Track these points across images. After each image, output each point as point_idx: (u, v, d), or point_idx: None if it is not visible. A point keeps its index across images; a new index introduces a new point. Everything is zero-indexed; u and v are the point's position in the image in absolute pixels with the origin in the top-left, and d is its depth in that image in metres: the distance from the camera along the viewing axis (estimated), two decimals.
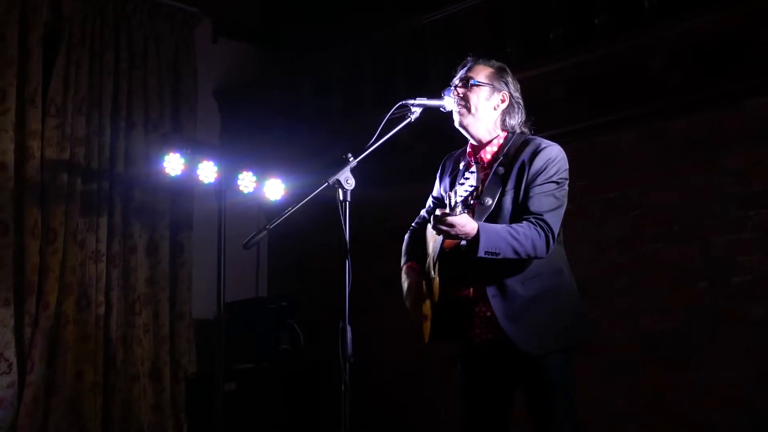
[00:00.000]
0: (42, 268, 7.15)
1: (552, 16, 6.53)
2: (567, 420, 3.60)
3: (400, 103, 3.68)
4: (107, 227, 7.59)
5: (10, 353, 6.91)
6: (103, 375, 7.40)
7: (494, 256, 3.37)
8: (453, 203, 3.23)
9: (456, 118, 3.74)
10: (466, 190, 3.25)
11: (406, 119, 3.67)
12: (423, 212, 4.10)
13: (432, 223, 3.34)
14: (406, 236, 4.07)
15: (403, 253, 4.03)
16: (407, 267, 3.95)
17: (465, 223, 3.28)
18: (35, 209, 7.14)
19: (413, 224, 4.11)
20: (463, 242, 3.46)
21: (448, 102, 3.74)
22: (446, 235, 3.38)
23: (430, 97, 3.75)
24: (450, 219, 3.25)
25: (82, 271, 7.36)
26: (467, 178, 3.29)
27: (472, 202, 3.25)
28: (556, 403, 3.58)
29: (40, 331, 7.04)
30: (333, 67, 8.24)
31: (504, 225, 3.46)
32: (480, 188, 3.22)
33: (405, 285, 3.91)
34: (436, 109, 3.75)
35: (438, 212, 3.30)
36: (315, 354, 7.43)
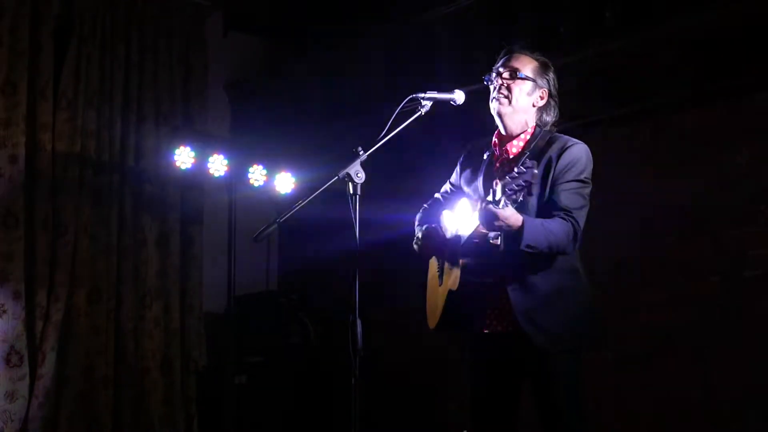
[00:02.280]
0: (53, 262, 7.16)
1: (563, 10, 6.51)
2: (575, 415, 3.62)
3: (411, 96, 3.69)
4: (118, 220, 7.59)
5: (21, 346, 6.92)
6: (114, 368, 7.41)
7: (532, 250, 3.39)
8: (498, 197, 3.20)
9: (494, 105, 3.75)
10: (520, 185, 3.15)
11: (416, 112, 3.68)
12: (437, 195, 4.13)
13: (478, 211, 3.34)
14: (419, 215, 4.11)
15: (417, 227, 4.04)
16: (427, 226, 3.96)
17: (510, 215, 3.28)
18: (46, 202, 7.15)
19: (425, 204, 4.14)
20: (492, 234, 3.47)
21: (459, 96, 3.75)
22: (489, 226, 3.38)
23: (440, 90, 3.75)
24: (499, 211, 3.24)
25: (92, 265, 7.36)
26: (521, 173, 3.16)
27: (521, 199, 3.21)
28: (564, 398, 3.61)
29: (51, 324, 7.05)
30: (343, 61, 8.23)
31: (540, 220, 3.48)
32: (531, 185, 3.17)
33: (421, 232, 3.94)
34: (446, 103, 3.76)
35: (483, 202, 3.30)
36: (325, 347, 7.45)
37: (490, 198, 3.24)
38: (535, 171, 3.11)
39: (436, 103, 3.73)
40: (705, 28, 5.78)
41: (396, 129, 3.62)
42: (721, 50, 5.75)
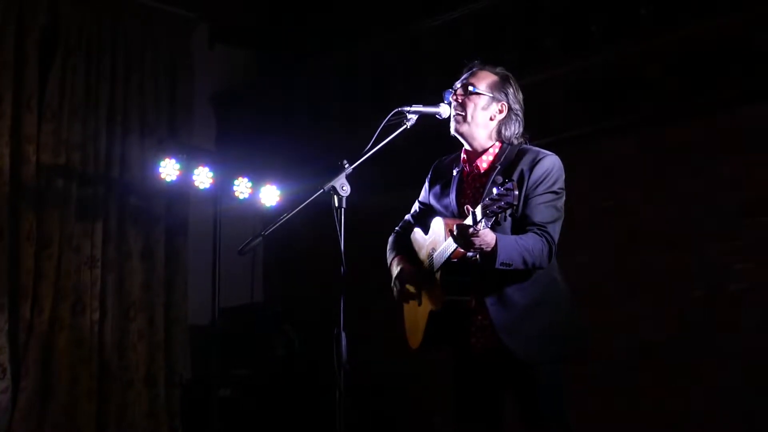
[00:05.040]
0: (37, 273, 7.14)
1: (548, 24, 6.54)
2: (557, 421, 3.63)
3: (396, 110, 3.67)
4: (102, 232, 7.57)
5: (5, 358, 6.89)
6: (98, 380, 7.38)
7: (507, 267, 3.39)
8: (478, 218, 3.19)
9: (452, 124, 3.75)
10: (501, 207, 3.11)
11: (402, 126, 3.67)
12: (408, 217, 4.10)
13: (455, 234, 3.32)
14: (391, 238, 4.08)
15: (389, 251, 4.03)
16: (398, 257, 3.94)
17: (486, 234, 3.29)
18: (30, 214, 7.13)
19: (397, 228, 4.12)
20: (470, 253, 3.46)
21: (444, 109, 3.73)
22: (466, 247, 3.37)
23: (426, 104, 3.74)
24: (476, 233, 3.24)
25: (77, 276, 7.34)
26: (502, 194, 3.12)
27: (502, 219, 3.20)
28: (546, 406, 3.62)
29: (34, 336, 7.02)
30: (329, 74, 8.24)
31: (514, 236, 3.48)
32: (513, 206, 3.15)
33: (396, 270, 3.90)
34: (432, 116, 3.75)
35: (458, 225, 3.29)
36: (310, 359, 7.43)
37: (469, 221, 3.23)
38: (516, 192, 3.10)
39: (422, 116, 3.72)
40: (689, 42, 5.80)
41: (381, 142, 3.61)
42: (706, 64, 5.77)
